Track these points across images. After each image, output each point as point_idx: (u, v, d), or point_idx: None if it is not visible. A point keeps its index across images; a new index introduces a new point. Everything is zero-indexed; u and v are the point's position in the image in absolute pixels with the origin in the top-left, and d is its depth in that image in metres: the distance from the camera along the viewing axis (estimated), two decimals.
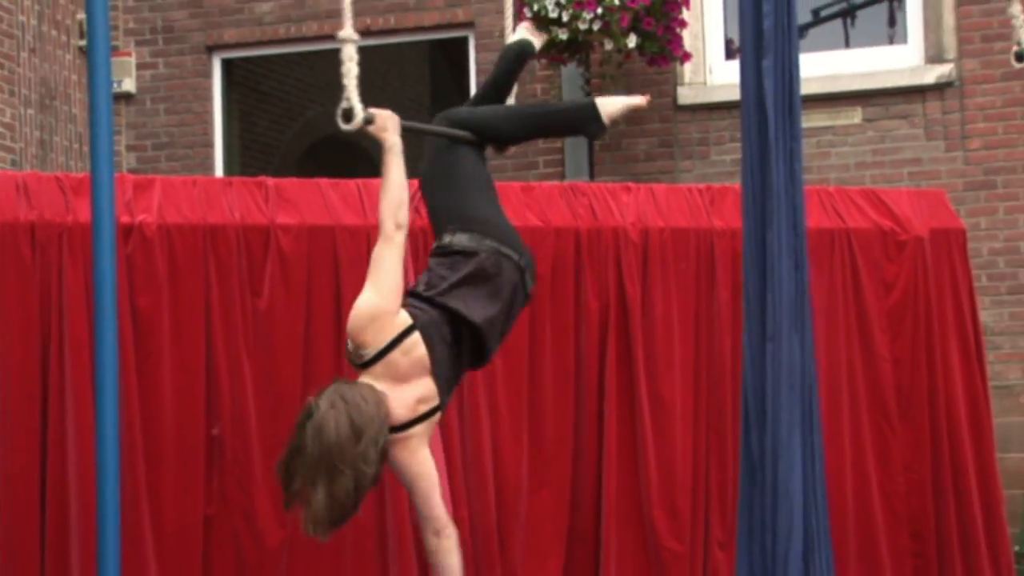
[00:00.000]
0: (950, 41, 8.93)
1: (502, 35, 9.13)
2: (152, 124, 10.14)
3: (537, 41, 5.51)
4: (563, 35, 8.46)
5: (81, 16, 9.54)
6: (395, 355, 4.28)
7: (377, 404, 4.16)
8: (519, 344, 6.47)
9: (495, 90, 5.39)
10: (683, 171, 9.18)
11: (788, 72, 4.63)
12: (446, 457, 6.26)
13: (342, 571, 6.14)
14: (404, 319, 4.34)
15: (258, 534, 6.07)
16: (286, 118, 12.32)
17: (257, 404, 6.09)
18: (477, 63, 9.68)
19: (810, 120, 8.66)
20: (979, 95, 8.85)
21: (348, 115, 4.47)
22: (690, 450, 6.69)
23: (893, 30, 9.37)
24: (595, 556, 6.58)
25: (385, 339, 4.27)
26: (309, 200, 6.32)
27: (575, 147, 9.42)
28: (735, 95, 4.81)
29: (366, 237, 6.21)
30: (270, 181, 6.36)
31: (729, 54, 9.21)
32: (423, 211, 5.30)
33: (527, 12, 8.52)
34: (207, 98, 10.16)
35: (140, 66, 10.19)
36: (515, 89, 5.70)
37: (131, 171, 9.35)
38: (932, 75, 8.93)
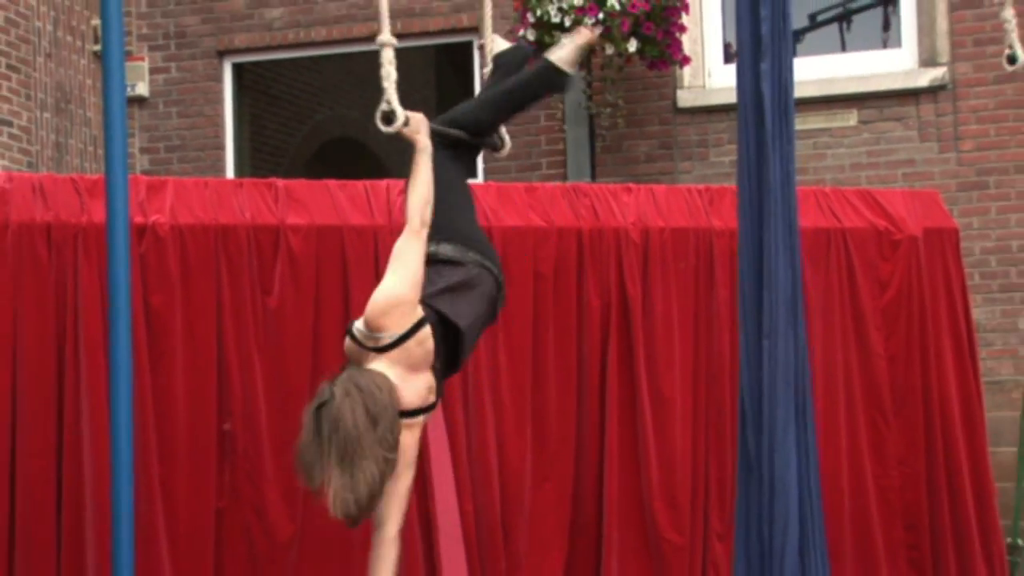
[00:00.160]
0: (943, 45, 8.92)
1: (505, 39, 9.15)
2: (165, 127, 10.15)
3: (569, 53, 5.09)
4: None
5: (96, 22, 9.55)
6: (411, 343, 4.26)
7: (390, 392, 4.14)
8: (523, 341, 6.48)
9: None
10: (682, 172, 9.19)
11: (783, 75, 4.64)
12: (452, 452, 6.28)
13: (351, 563, 6.14)
14: (419, 311, 4.33)
15: (269, 527, 6.08)
16: (295, 121, 12.32)
17: (267, 400, 6.09)
18: (482, 68, 9.66)
19: (807, 122, 8.67)
20: (972, 98, 8.85)
21: (389, 118, 4.48)
22: (689, 445, 6.70)
23: (887, 34, 9.37)
24: (597, 548, 6.58)
25: (405, 325, 4.25)
26: (318, 201, 6.32)
27: (577, 149, 9.42)
28: (733, 98, 4.81)
29: (373, 237, 6.22)
30: (280, 182, 6.36)
31: (728, 58, 9.21)
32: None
33: (530, 17, 8.53)
34: (218, 101, 10.16)
35: (153, 70, 10.20)
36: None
37: (144, 173, 9.36)
38: (926, 78, 8.93)
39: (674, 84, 9.27)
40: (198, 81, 10.16)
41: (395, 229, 4.91)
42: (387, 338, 4.22)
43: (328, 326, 6.17)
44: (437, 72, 12.19)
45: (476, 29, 9.67)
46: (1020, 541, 7.69)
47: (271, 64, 10.96)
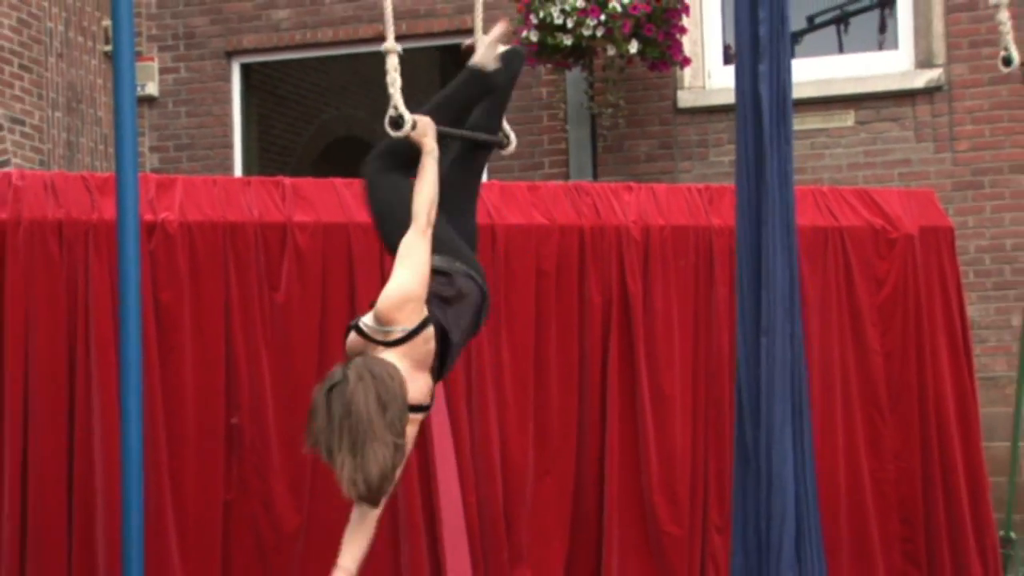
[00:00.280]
0: (939, 47, 8.92)
1: (507, 42, 9.15)
2: (174, 126, 10.15)
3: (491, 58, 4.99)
4: (568, 41, 8.47)
5: (106, 23, 9.55)
6: (419, 340, 4.25)
7: (400, 383, 4.13)
8: (525, 338, 6.48)
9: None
10: (682, 171, 9.19)
11: (781, 76, 4.64)
12: (456, 446, 6.29)
13: None
14: (426, 309, 4.32)
15: (275, 519, 6.09)
16: (302, 121, 12.33)
17: (274, 394, 6.10)
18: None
19: (805, 122, 8.67)
20: (967, 99, 8.84)
21: (397, 122, 4.49)
22: (689, 439, 6.70)
23: (884, 36, 9.37)
24: (598, 540, 6.59)
25: (415, 321, 4.24)
26: (324, 199, 6.33)
27: (579, 148, 9.42)
28: (733, 99, 4.81)
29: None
30: (287, 181, 6.37)
31: (727, 59, 9.21)
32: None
33: (533, 19, 8.53)
34: (227, 101, 10.17)
35: (163, 71, 10.21)
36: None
37: (154, 171, 9.36)
38: (922, 79, 8.93)
39: (674, 85, 9.27)
40: (207, 81, 10.17)
41: None
42: (399, 332, 4.21)
43: (334, 321, 6.18)
44: (441, 73, 12.20)
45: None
46: (1013, 534, 7.70)
47: (278, 64, 10.97)
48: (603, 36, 8.45)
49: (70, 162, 9.24)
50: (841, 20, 9.56)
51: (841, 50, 9.46)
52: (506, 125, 5.08)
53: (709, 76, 9.32)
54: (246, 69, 10.39)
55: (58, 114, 9.17)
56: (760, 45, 4.63)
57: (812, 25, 9.56)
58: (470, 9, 9.64)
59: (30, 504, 5.77)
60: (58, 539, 5.81)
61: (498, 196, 6.60)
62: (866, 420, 6.96)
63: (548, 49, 8.62)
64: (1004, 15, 6.00)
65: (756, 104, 4.63)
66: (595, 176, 9.21)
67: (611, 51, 8.55)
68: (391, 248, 4.48)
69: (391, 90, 4.47)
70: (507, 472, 6.43)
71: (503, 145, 5.08)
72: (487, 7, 9.58)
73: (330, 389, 4.05)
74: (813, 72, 8.94)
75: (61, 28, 9.27)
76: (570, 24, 8.41)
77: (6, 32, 8.71)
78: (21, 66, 8.84)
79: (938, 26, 8.92)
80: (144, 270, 5.48)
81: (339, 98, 12.53)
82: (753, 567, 4.57)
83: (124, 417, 4.80)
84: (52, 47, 9.15)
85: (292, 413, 5.88)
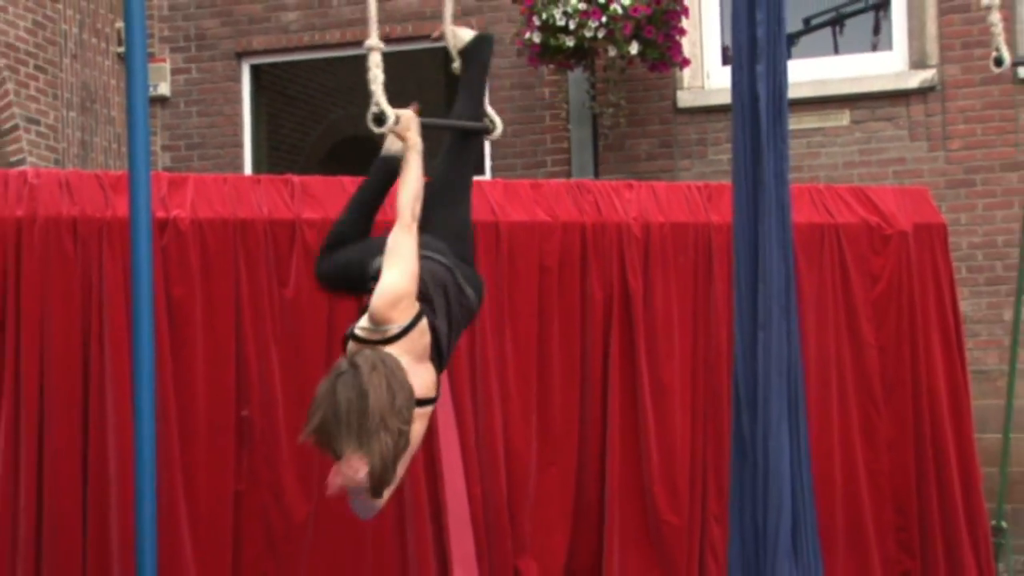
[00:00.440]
0: (933, 48, 8.92)
1: (513, 42, 9.17)
2: (185, 126, 10.16)
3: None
4: (570, 42, 8.47)
5: (119, 25, 9.56)
6: (415, 333, 4.24)
7: (405, 373, 4.13)
8: (528, 333, 6.49)
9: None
10: (682, 170, 9.19)
11: (778, 77, 4.64)
12: (460, 439, 6.29)
13: (363, 542, 6.16)
14: (417, 304, 4.31)
15: (285, 509, 6.09)
16: (310, 120, 12.33)
17: (284, 387, 6.10)
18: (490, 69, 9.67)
19: (801, 122, 8.67)
20: (960, 99, 8.84)
21: (379, 118, 4.47)
22: (688, 431, 6.70)
23: (879, 38, 9.36)
24: (599, 530, 6.59)
25: (410, 316, 4.23)
26: (332, 196, 6.32)
27: (581, 147, 9.42)
28: (731, 99, 4.81)
29: (384, 231, 6.22)
30: (296, 178, 6.37)
31: (726, 60, 9.20)
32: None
33: (535, 21, 8.53)
34: (237, 101, 10.18)
35: (174, 71, 10.21)
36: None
37: (166, 169, 9.38)
38: (916, 80, 8.92)
39: (674, 85, 9.27)
40: (217, 82, 10.17)
41: None
42: (395, 328, 4.20)
43: (342, 316, 6.17)
44: (447, 74, 12.18)
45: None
46: (1004, 524, 7.70)
47: (287, 65, 10.97)
48: (604, 37, 8.45)
49: (84, 161, 9.25)
50: (836, 22, 9.56)
51: (836, 51, 9.46)
52: (490, 110, 5.01)
53: (708, 77, 9.32)
54: (256, 70, 10.39)
55: (72, 114, 9.18)
56: (757, 46, 4.63)
57: (808, 27, 9.56)
58: (477, 11, 9.70)
59: (45, 496, 5.77)
60: (73, 529, 5.81)
61: (502, 194, 6.59)
62: (861, 413, 6.96)
63: (551, 50, 8.62)
64: (996, 17, 5.99)
65: (753, 104, 4.63)
66: (596, 174, 9.21)
67: (612, 52, 8.55)
68: (374, 275, 4.38)
69: (373, 87, 4.44)
70: (511, 464, 6.43)
71: (489, 130, 4.99)
72: (492, 9, 9.66)
73: (338, 378, 4.04)
74: (809, 73, 8.94)
75: (75, 30, 9.27)
76: (572, 26, 8.41)
77: (22, 34, 8.71)
78: (36, 67, 8.85)
79: (931, 28, 8.91)
80: (156, 266, 5.48)
81: (347, 98, 12.51)
82: (750, 556, 4.57)
83: (137, 409, 4.80)
84: (67, 48, 9.15)
85: (301, 406, 5.84)
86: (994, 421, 8.05)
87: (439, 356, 4.37)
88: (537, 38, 8.57)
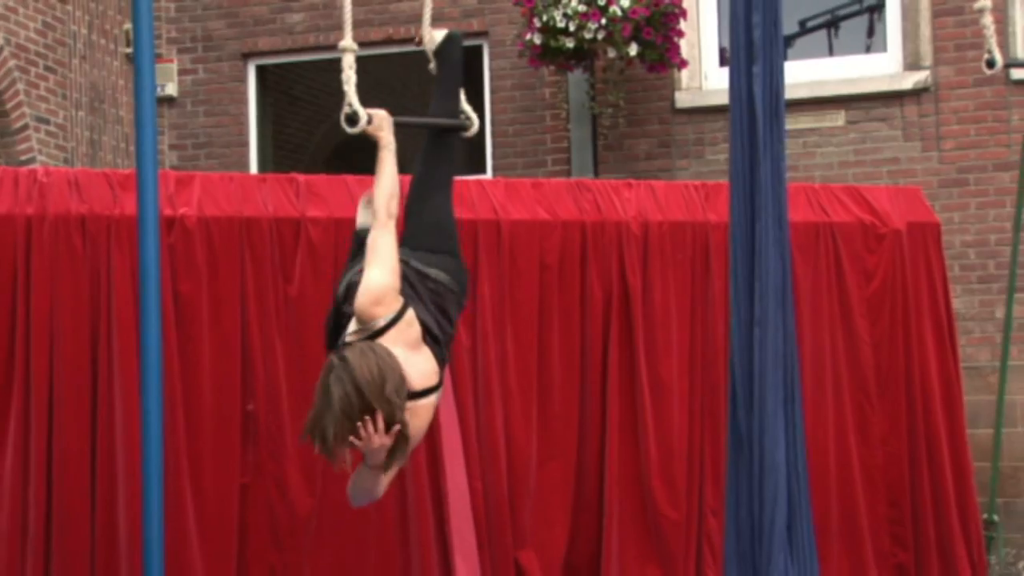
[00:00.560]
0: (926, 50, 8.91)
1: (514, 44, 9.17)
2: (192, 125, 10.16)
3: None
4: (570, 44, 8.47)
5: (128, 26, 9.56)
6: (402, 324, 4.25)
7: (398, 361, 4.14)
8: (529, 330, 6.49)
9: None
10: (680, 169, 9.18)
11: (774, 78, 4.64)
12: (462, 433, 6.29)
13: (366, 535, 6.17)
14: (401, 297, 4.32)
15: (290, 501, 6.09)
16: (315, 120, 12.32)
17: (288, 382, 6.11)
18: (491, 70, 9.67)
19: (797, 122, 8.67)
20: (953, 100, 8.84)
21: (352, 119, 4.45)
22: (686, 426, 6.71)
23: (873, 40, 9.36)
24: (599, 522, 6.60)
25: (394, 309, 4.25)
26: (336, 195, 6.33)
27: (581, 147, 9.42)
28: (728, 99, 4.81)
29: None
30: (300, 177, 6.37)
31: (723, 61, 9.20)
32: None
33: (536, 23, 8.52)
34: (243, 101, 10.17)
35: (181, 72, 10.21)
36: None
37: (173, 168, 9.38)
38: (910, 81, 8.92)
39: (672, 86, 9.27)
40: (224, 82, 10.17)
41: None
42: (381, 322, 4.22)
43: None
44: None
45: (486, 33, 9.67)
46: (996, 517, 7.72)
47: (293, 66, 10.96)
48: (604, 39, 8.44)
49: (93, 159, 9.25)
50: (832, 24, 9.56)
51: (832, 53, 9.45)
52: (467, 106, 4.91)
53: (705, 78, 9.32)
54: (261, 70, 10.39)
55: (81, 113, 9.18)
56: (754, 48, 4.63)
57: (804, 29, 9.55)
58: (476, 12, 9.70)
59: (55, 487, 5.78)
60: (81, 520, 5.81)
61: (503, 193, 6.59)
62: (855, 407, 6.97)
63: (551, 51, 8.62)
64: (988, 19, 6.00)
65: (750, 104, 4.63)
66: (596, 173, 9.20)
67: (611, 53, 8.55)
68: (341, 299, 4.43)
69: (345, 87, 4.43)
70: (511, 458, 6.44)
71: (465, 127, 4.88)
72: (493, 11, 9.65)
73: (329, 371, 4.07)
74: (805, 74, 8.94)
75: (84, 31, 9.27)
76: (572, 27, 8.41)
77: (32, 35, 8.71)
78: (46, 68, 8.85)
79: (925, 30, 8.91)
80: (163, 263, 5.48)
81: None
82: (746, 549, 4.58)
83: (144, 404, 4.81)
84: (76, 49, 9.15)
85: (305, 400, 5.81)
86: (986, 416, 8.06)
87: (435, 342, 4.37)
88: (538, 40, 8.56)
